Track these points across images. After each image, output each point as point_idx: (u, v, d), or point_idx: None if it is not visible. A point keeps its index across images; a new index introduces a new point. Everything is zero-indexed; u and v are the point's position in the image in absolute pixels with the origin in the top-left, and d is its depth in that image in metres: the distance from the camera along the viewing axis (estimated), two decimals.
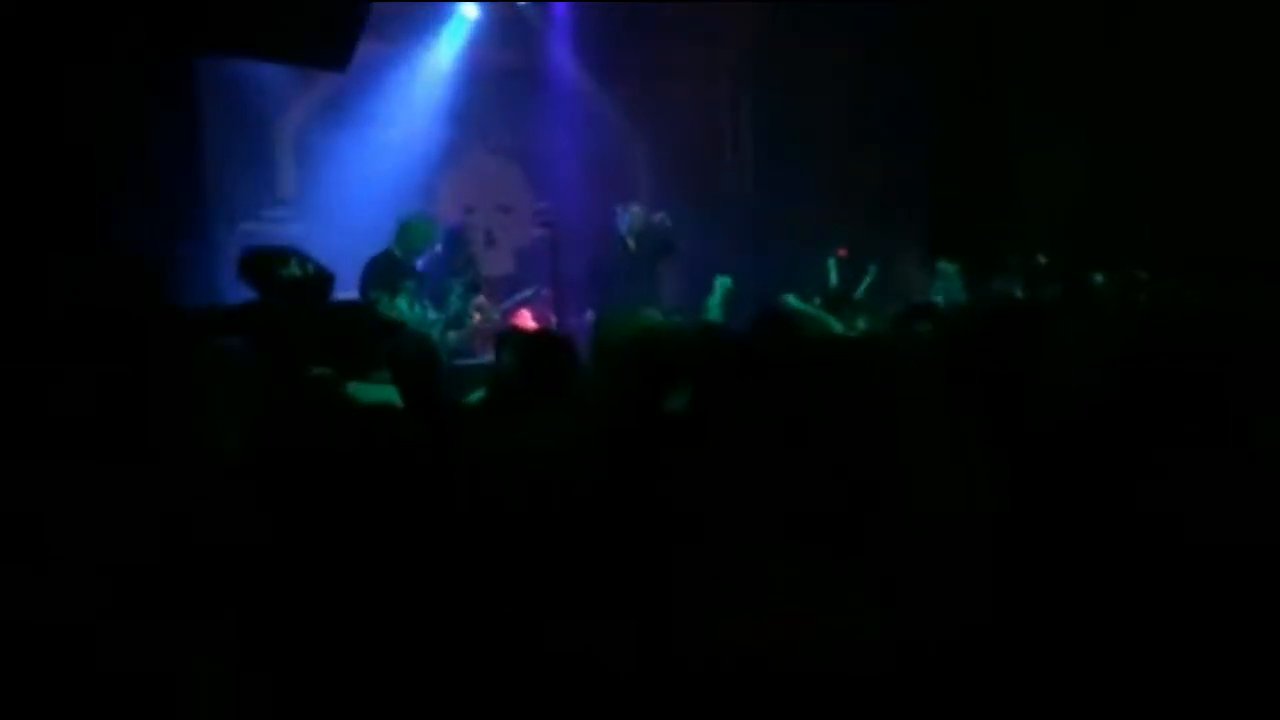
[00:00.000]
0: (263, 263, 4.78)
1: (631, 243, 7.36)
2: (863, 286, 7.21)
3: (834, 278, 7.27)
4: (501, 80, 8.48)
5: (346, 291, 5.86)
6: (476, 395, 3.60)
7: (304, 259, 4.63)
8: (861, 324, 5.06)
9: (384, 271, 5.96)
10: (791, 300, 6.74)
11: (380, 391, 3.42)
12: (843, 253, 7.38)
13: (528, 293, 7.54)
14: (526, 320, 7.04)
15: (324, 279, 5.05)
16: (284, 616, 1.92)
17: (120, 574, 2.04)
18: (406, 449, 2.30)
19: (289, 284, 4.66)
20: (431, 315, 6.12)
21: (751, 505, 1.94)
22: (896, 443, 2.31)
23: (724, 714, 1.51)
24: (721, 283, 6.89)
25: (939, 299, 6.15)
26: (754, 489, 1.97)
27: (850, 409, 2.47)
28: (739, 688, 1.47)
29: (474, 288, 6.85)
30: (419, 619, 1.93)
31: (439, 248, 6.76)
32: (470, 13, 8.35)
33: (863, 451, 2.28)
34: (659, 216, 7.39)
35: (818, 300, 6.58)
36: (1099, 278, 5.94)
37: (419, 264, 6.43)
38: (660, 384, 2.90)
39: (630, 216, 7.40)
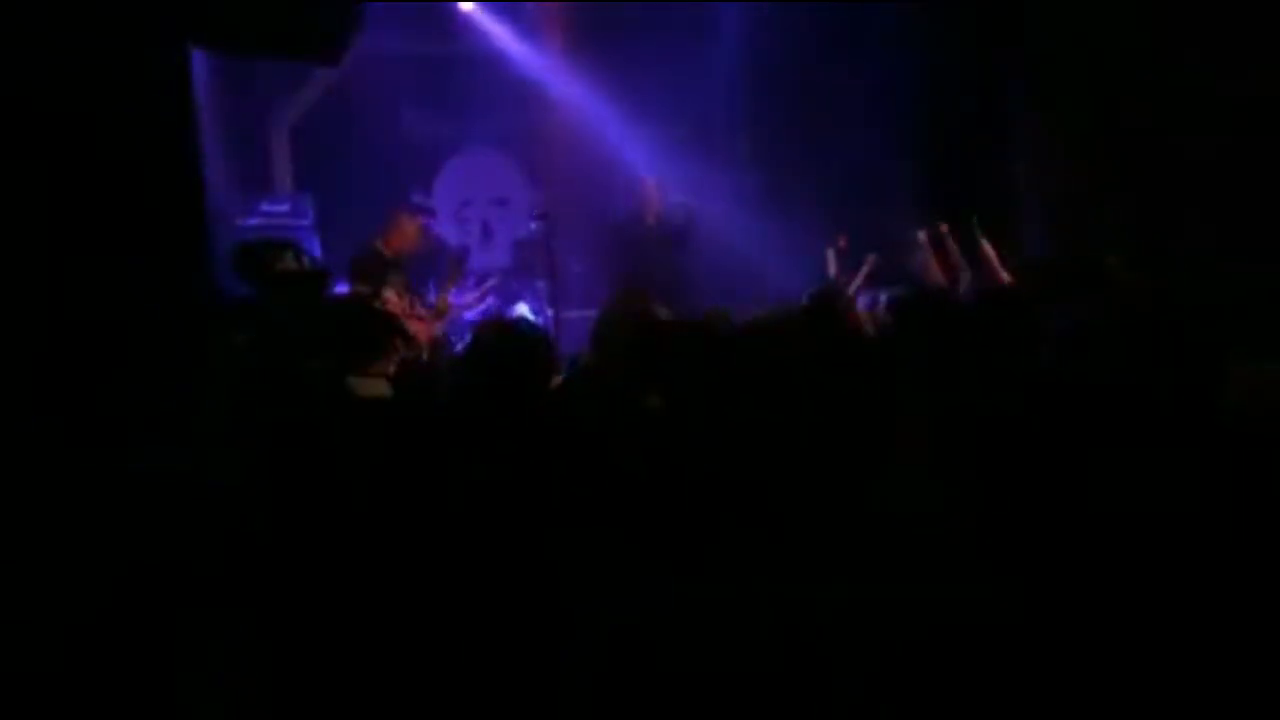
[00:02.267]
0: (259, 256, 4.77)
1: (651, 220, 7.18)
2: (861, 277, 7.18)
3: (833, 268, 7.24)
4: (497, 70, 8.46)
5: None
6: None
7: (300, 252, 4.61)
8: None
9: (367, 266, 5.94)
10: None
11: (374, 386, 3.43)
12: (842, 244, 7.35)
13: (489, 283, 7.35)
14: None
15: (321, 272, 5.04)
16: (284, 609, 1.93)
17: (121, 566, 2.04)
18: (405, 442, 2.31)
19: (286, 278, 4.66)
20: (420, 310, 6.11)
21: (728, 500, 1.95)
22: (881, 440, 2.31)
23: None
24: None
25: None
26: (732, 484, 1.98)
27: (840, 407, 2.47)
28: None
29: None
30: (418, 610, 1.94)
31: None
32: (467, 6, 8.34)
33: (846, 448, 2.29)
34: (679, 201, 7.22)
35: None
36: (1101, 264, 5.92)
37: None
38: (653, 377, 2.91)
39: (648, 190, 7.18)
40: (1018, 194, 7.65)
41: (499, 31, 8.38)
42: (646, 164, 7.99)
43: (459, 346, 6.48)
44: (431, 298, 6.19)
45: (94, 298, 2.82)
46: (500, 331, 3.16)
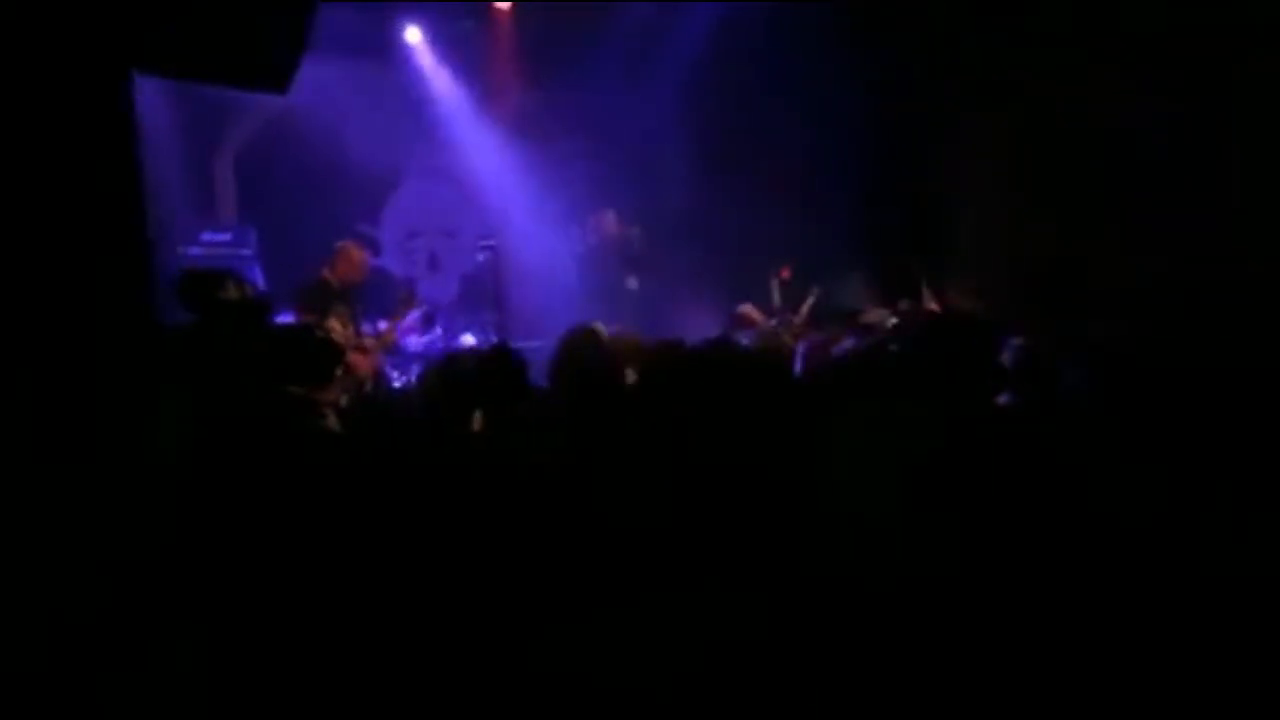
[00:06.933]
0: (200, 285, 4.70)
1: (612, 248, 7.32)
2: (806, 309, 7.22)
3: (776, 299, 7.26)
4: (443, 101, 8.45)
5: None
6: None
7: (241, 281, 4.55)
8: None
9: (312, 296, 5.92)
10: None
11: None
12: (785, 274, 7.39)
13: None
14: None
15: (263, 301, 4.98)
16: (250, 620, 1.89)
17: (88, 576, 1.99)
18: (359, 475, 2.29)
19: (227, 307, 4.59)
20: (364, 341, 6.06)
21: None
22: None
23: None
24: None
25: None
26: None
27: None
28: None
29: None
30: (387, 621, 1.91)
31: None
32: (413, 35, 8.34)
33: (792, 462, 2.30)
34: (633, 229, 7.38)
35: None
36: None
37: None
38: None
39: (607, 220, 7.37)
40: (954, 221, 7.76)
41: (432, 65, 8.40)
42: (590, 187, 8.03)
43: (401, 378, 6.44)
44: (377, 327, 6.17)
45: (35, 321, 2.76)
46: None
